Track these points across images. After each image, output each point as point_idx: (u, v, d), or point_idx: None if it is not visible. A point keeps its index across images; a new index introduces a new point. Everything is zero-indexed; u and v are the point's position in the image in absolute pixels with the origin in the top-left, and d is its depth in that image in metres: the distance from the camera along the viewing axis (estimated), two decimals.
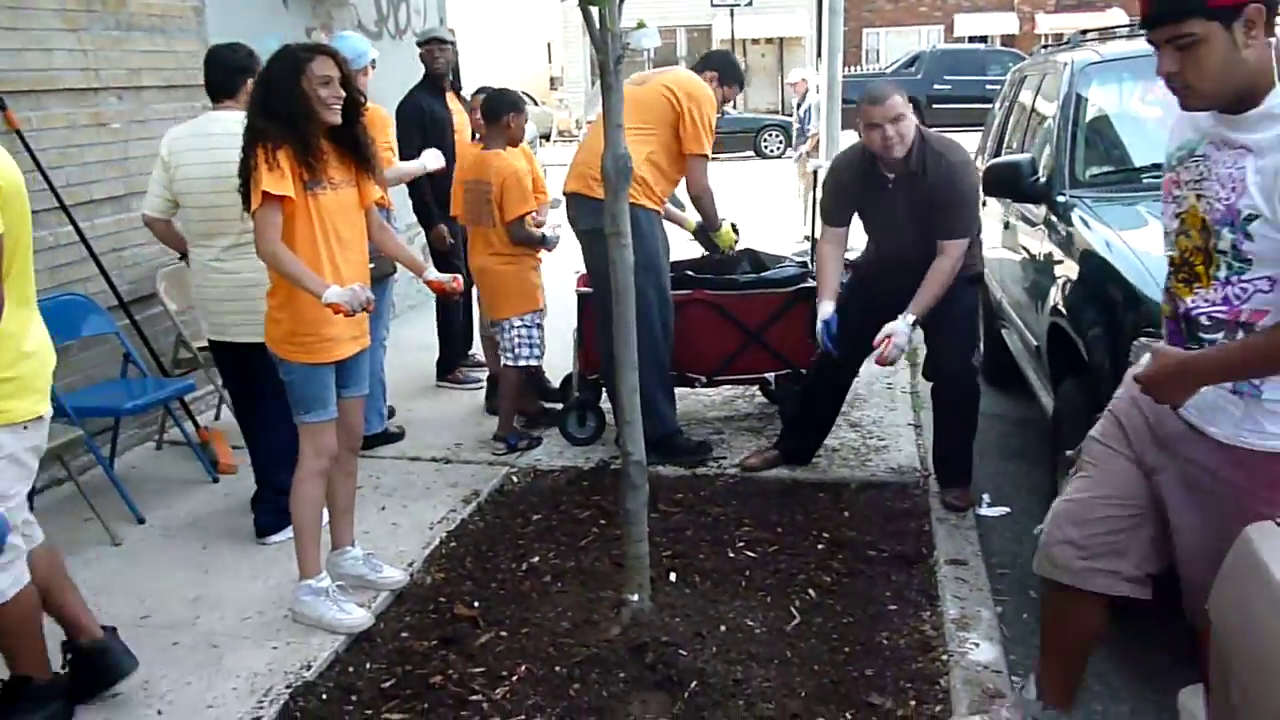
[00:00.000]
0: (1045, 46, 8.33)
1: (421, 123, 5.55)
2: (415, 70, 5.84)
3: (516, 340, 4.85)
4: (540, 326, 4.94)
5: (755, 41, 30.81)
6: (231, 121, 3.52)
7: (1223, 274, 2.02)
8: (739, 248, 5.06)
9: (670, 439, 4.57)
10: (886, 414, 5.15)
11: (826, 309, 4.08)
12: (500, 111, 4.76)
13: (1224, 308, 2.04)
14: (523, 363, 4.88)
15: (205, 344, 4.86)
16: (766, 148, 21.89)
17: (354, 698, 2.94)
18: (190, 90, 5.31)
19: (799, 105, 10.97)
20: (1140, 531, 2.30)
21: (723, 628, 3.19)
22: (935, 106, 21.68)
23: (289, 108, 3.08)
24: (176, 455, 4.90)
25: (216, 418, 5.30)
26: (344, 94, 3.14)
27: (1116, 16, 20.76)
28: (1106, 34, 5.45)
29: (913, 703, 2.82)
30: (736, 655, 3.03)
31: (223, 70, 3.90)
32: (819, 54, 13.08)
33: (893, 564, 3.60)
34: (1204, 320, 2.07)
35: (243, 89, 3.78)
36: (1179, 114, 2.17)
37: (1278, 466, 2.05)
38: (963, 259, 3.92)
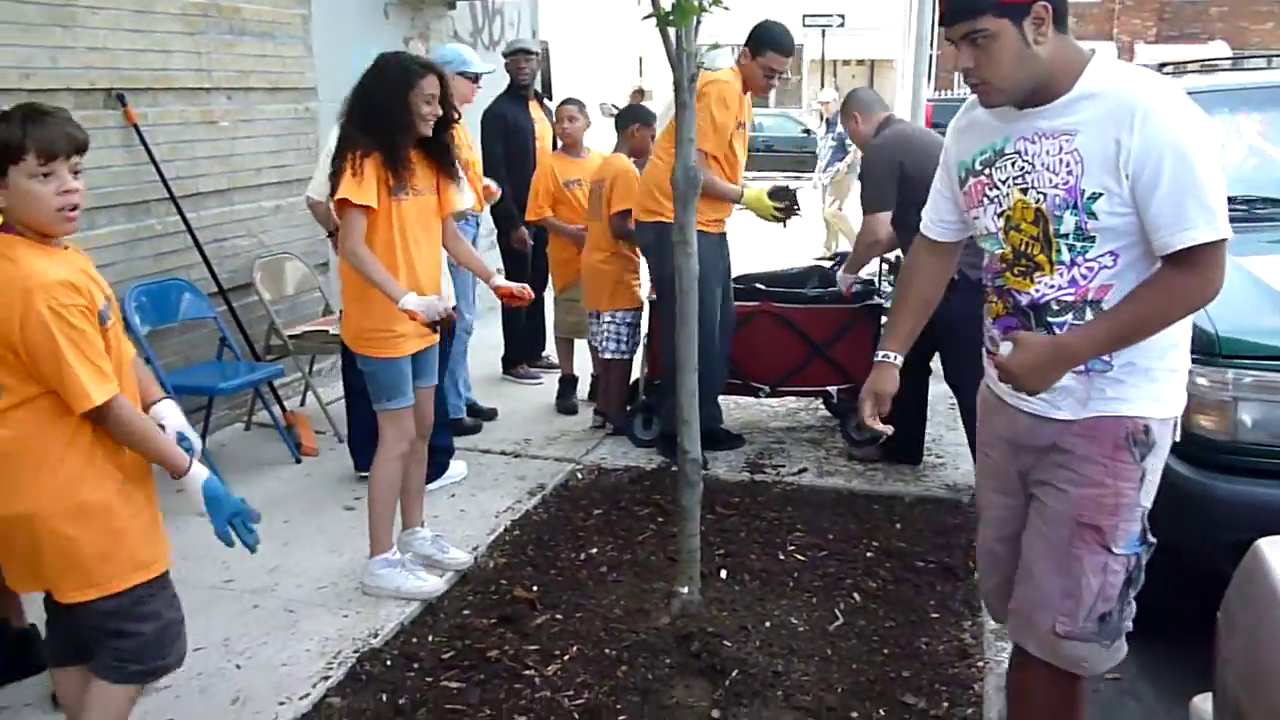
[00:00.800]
0: None
1: (505, 130, 5.83)
2: (506, 80, 6.08)
3: (605, 335, 5.13)
4: (633, 325, 5.18)
5: (846, 63, 30.71)
6: None
7: (1066, 257, 2.07)
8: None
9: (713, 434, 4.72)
10: (947, 433, 5.21)
11: None
12: (626, 122, 5.28)
13: (1071, 289, 2.09)
14: (608, 355, 5.14)
15: (298, 332, 5.17)
16: None
17: (415, 665, 3.14)
18: (294, 92, 5.64)
19: (829, 126, 10.85)
20: None
21: (767, 624, 3.32)
22: None
23: (391, 118, 3.22)
24: (263, 436, 5.18)
25: (302, 403, 5.57)
26: (441, 112, 3.30)
27: (1218, 48, 20.22)
28: (1208, 66, 5.39)
29: (945, 704, 2.92)
30: (779, 649, 3.16)
31: None
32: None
33: (939, 575, 3.70)
34: (1053, 305, 2.11)
35: None
36: (959, 125, 2.28)
37: (1120, 428, 2.10)
38: (875, 234, 4.31)
